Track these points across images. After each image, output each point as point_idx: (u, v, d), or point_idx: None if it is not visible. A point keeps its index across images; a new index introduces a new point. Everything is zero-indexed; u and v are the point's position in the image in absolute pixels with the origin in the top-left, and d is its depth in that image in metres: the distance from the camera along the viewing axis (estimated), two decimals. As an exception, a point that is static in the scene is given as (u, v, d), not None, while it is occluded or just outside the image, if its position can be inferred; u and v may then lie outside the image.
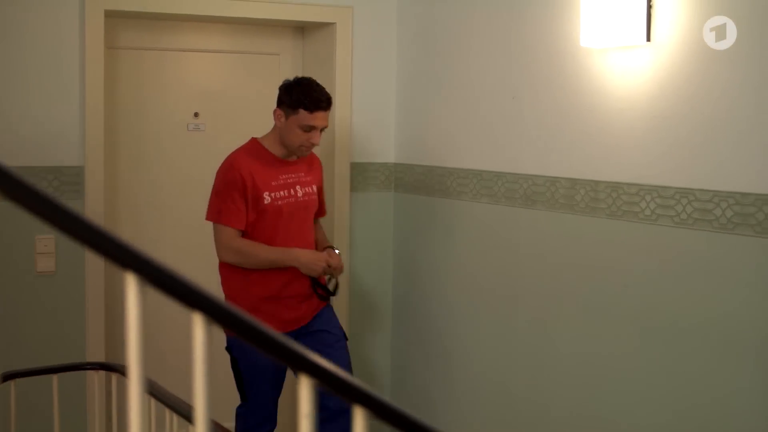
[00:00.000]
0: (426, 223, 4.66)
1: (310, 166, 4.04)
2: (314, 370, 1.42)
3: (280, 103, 3.83)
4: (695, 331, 3.24)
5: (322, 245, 4.10)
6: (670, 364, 3.33)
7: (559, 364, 3.84)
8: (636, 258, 3.47)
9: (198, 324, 1.37)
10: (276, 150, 3.90)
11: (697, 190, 3.22)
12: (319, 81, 3.90)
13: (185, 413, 3.22)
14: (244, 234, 3.82)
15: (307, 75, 4.02)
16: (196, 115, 4.78)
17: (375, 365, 4.93)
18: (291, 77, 3.91)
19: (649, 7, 3.34)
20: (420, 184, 4.68)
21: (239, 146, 3.94)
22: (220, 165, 3.89)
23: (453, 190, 4.41)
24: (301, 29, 4.95)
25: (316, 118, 3.78)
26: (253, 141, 3.94)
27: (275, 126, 3.89)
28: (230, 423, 4.01)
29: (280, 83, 3.92)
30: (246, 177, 3.77)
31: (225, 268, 3.88)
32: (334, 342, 3.96)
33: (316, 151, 4.16)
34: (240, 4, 4.53)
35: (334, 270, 3.93)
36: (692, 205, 3.23)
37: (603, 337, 3.61)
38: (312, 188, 4.00)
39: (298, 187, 3.92)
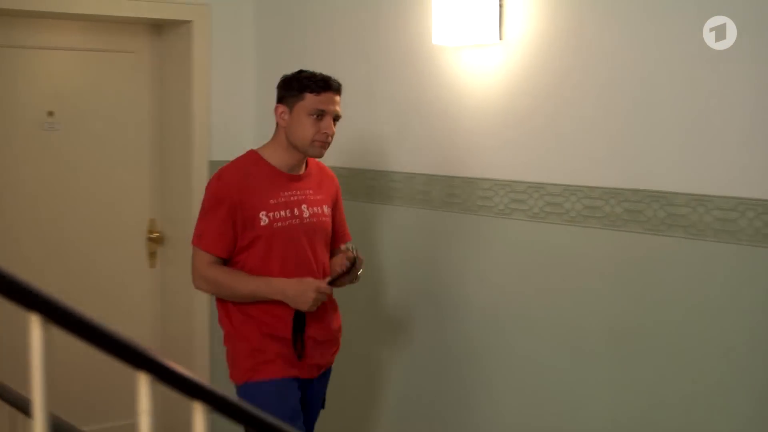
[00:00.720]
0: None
1: (320, 183, 3.35)
2: (153, 367, 1.42)
3: (281, 98, 3.21)
4: (546, 321, 3.34)
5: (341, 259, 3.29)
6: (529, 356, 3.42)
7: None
8: (491, 251, 3.55)
9: (35, 325, 1.34)
10: (278, 161, 3.22)
11: (548, 184, 3.32)
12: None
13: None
14: (234, 263, 3.18)
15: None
16: (50, 114, 4.66)
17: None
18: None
19: (501, 6, 3.42)
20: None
21: (235, 158, 3.30)
22: (209, 180, 3.25)
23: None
24: (158, 27, 4.88)
25: (326, 101, 3.14)
26: (251, 152, 3.27)
27: (276, 131, 3.24)
28: None
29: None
30: (237, 193, 3.12)
31: (219, 301, 3.26)
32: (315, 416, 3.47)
33: (327, 162, 3.55)
34: (94, 0, 4.44)
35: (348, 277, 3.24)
36: (544, 199, 3.33)
37: (453, 329, 3.69)
38: (323, 208, 3.30)
39: (304, 207, 3.23)
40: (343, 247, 3.39)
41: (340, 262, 3.23)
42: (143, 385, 1.44)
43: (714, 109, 2.82)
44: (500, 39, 3.44)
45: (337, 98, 3.18)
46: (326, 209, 3.31)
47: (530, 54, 3.36)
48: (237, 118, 4.80)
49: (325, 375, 3.39)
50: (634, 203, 3.04)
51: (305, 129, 3.14)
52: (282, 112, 3.19)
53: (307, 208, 3.24)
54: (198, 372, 4.58)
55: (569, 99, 3.24)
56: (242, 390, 3.20)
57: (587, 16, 3.17)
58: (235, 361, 3.22)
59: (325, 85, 3.14)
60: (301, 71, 3.19)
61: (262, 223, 3.13)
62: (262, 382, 3.16)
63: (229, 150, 4.60)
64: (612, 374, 3.14)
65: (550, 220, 3.32)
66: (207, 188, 3.20)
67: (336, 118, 3.18)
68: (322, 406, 3.45)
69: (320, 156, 3.21)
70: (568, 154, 3.26)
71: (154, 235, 4.97)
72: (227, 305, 3.21)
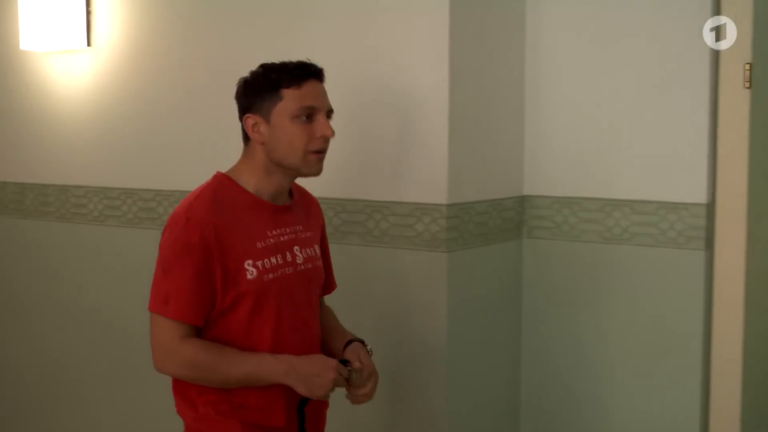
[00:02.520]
0: None
1: (307, 215, 2.49)
2: None
3: (249, 106, 2.30)
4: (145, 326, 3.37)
5: (342, 339, 2.45)
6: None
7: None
8: (87, 258, 3.53)
9: None
10: (258, 188, 2.32)
11: (141, 190, 3.35)
12: None
13: None
14: (207, 334, 2.26)
15: None
16: None
17: None
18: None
19: (89, 12, 3.41)
20: None
21: (198, 187, 2.34)
22: (167, 220, 2.30)
23: None
24: None
25: (312, 92, 2.28)
26: (220, 177, 2.34)
27: (249, 150, 2.33)
28: None
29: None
30: (214, 236, 2.20)
31: (178, 383, 2.31)
32: None
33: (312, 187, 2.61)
34: None
35: (353, 382, 2.32)
36: (137, 205, 3.36)
37: (53, 336, 3.63)
38: (315, 250, 2.45)
39: (296, 249, 2.38)
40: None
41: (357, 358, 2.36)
42: None
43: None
44: (89, 45, 3.42)
45: (323, 87, 2.34)
46: (317, 250, 2.47)
47: (118, 60, 3.38)
48: None
49: None
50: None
51: (294, 138, 2.26)
52: (254, 125, 2.28)
53: (300, 251, 2.39)
54: None
55: (158, 103, 3.30)
56: None
57: (174, 23, 3.24)
58: None
59: (305, 71, 2.29)
60: (263, 66, 2.33)
61: (248, 277, 2.24)
62: None
63: None
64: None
65: (144, 225, 3.36)
66: (168, 232, 2.25)
67: (329, 113, 2.33)
68: None
69: (319, 172, 2.33)
70: (159, 159, 3.32)
71: None
72: (190, 389, 2.27)
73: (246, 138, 2.32)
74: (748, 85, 2.80)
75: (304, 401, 2.29)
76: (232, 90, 2.30)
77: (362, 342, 2.41)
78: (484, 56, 2.86)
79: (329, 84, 2.31)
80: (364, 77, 2.85)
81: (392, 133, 2.82)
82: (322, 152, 2.29)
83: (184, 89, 3.24)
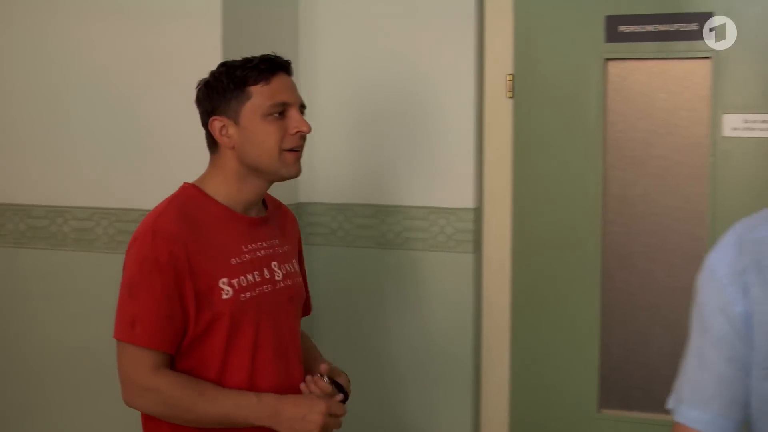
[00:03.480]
0: None
1: (283, 228, 2.26)
2: None
3: (214, 109, 2.08)
4: None
5: (315, 368, 2.19)
6: None
7: None
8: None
9: None
10: (229, 198, 2.09)
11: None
12: None
13: None
14: (178, 363, 2.03)
15: None
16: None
17: None
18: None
19: None
20: None
21: (164, 199, 2.12)
22: (132, 237, 2.07)
23: None
24: None
25: (283, 86, 2.08)
26: (188, 188, 2.11)
27: (217, 156, 2.11)
28: None
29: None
30: (183, 253, 1.98)
31: (149, 420, 2.08)
32: None
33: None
34: None
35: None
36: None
37: None
38: (294, 266, 2.23)
39: (274, 264, 2.14)
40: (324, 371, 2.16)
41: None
42: None
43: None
44: None
45: (292, 80, 2.13)
46: (296, 266, 2.24)
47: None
48: None
49: None
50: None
51: (268, 138, 2.05)
52: (222, 128, 2.07)
53: (279, 267, 2.15)
54: None
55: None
56: None
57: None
58: None
59: (272, 65, 2.09)
60: (225, 64, 2.11)
61: (224, 296, 2.01)
62: None
63: None
64: None
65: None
66: (133, 250, 2.02)
67: (302, 107, 2.13)
68: None
69: (298, 173, 2.12)
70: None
71: None
72: (161, 428, 2.05)
73: (213, 144, 2.09)
74: (510, 95, 2.96)
75: None
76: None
77: (332, 379, 2.15)
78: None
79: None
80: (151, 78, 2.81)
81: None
82: (298, 150, 2.09)
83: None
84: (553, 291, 2.97)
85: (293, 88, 2.10)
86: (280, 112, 2.05)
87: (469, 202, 2.95)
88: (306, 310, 2.32)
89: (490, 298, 3.03)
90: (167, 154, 2.78)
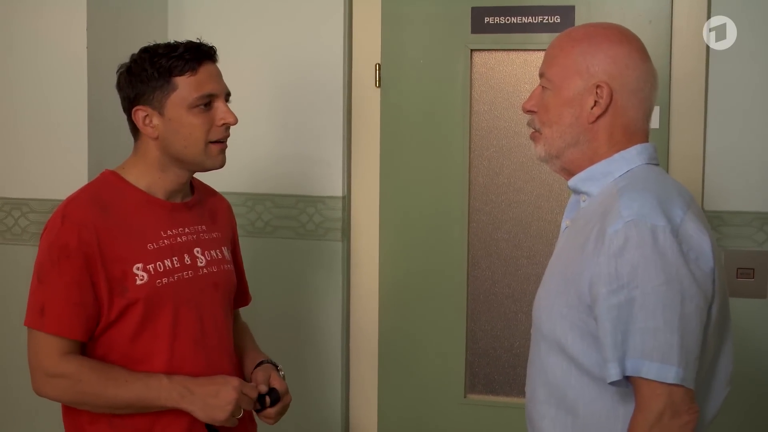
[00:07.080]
0: None
1: (213, 214, 2.20)
2: None
3: (136, 97, 2.01)
4: None
5: (253, 360, 2.19)
6: None
7: None
8: None
9: None
10: (150, 185, 2.05)
11: None
12: None
13: None
14: (90, 349, 1.99)
15: None
16: None
17: None
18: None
19: None
20: None
21: (82, 186, 2.10)
22: (46, 222, 2.02)
23: None
24: None
25: (209, 76, 2.02)
26: (108, 174, 2.06)
27: (140, 144, 2.05)
28: None
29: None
30: (95, 238, 1.93)
31: (69, 410, 2.02)
32: None
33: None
34: None
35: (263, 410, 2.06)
36: None
37: None
38: (222, 252, 2.16)
39: (197, 251, 2.09)
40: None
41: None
42: None
43: None
44: None
45: (218, 68, 2.07)
46: (227, 253, 2.18)
47: None
48: None
49: None
50: None
51: (193, 130, 2.00)
52: (146, 117, 2.01)
53: (202, 253, 2.10)
54: None
55: None
56: None
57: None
58: None
59: (198, 54, 2.01)
60: (147, 50, 2.02)
61: (138, 282, 1.96)
62: None
63: None
64: None
65: None
66: (44, 237, 1.98)
67: (227, 96, 2.08)
68: None
69: (222, 165, 2.08)
70: None
71: None
72: (80, 417, 2.00)
73: (135, 131, 2.04)
74: (377, 84, 2.98)
75: (210, 428, 1.98)
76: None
77: (274, 364, 2.16)
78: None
79: None
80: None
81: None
82: (224, 141, 2.05)
83: None
84: (420, 279, 3.01)
85: (219, 77, 2.05)
86: (207, 103, 2.01)
87: (337, 191, 2.96)
88: (243, 299, 2.31)
89: (359, 286, 3.05)
90: (42, 143, 2.74)
